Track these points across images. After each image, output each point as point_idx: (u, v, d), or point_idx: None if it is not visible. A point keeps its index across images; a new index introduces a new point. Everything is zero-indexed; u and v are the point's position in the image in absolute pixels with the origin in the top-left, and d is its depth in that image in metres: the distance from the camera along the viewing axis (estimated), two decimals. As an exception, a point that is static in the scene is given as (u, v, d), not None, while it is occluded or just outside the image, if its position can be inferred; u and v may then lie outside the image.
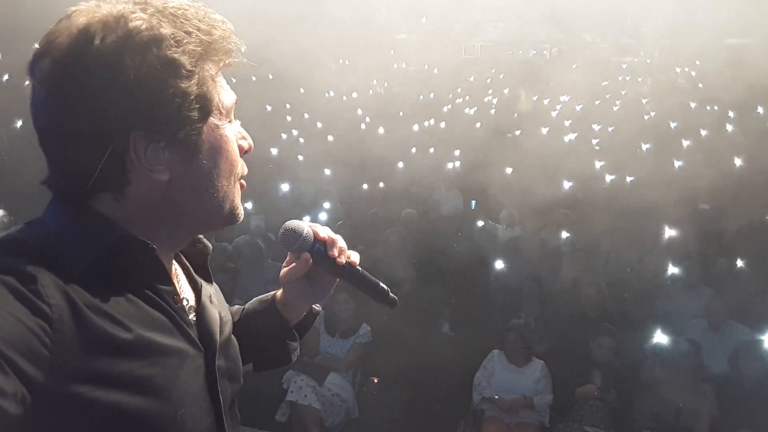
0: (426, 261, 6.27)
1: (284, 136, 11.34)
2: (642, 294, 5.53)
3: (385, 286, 1.12)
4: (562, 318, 4.99)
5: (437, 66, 17.50)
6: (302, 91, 14.49)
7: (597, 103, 13.87)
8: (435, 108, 14.37)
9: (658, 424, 4.13)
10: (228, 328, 1.04)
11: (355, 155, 10.19)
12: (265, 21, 12.95)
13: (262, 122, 11.88)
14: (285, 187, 8.32)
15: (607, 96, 14.33)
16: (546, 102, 14.42)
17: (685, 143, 10.34)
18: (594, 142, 11.04)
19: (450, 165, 9.46)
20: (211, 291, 1.04)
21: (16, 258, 0.77)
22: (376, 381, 4.74)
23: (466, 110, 14.54)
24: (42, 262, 0.77)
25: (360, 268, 1.12)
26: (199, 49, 0.84)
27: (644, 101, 13.84)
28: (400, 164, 9.63)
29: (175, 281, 0.94)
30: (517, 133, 11.50)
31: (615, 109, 13.59)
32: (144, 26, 0.81)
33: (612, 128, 11.72)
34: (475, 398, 4.42)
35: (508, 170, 8.64)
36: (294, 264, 1.11)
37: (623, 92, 14.95)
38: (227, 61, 0.90)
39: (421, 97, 15.35)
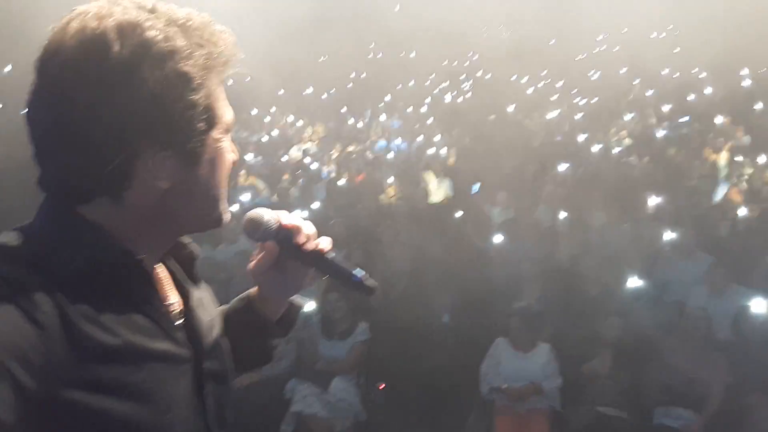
0: (421, 252, 6.19)
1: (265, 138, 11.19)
2: (640, 265, 5.45)
3: (360, 273, 1.03)
4: (564, 298, 4.90)
5: (415, 50, 17.33)
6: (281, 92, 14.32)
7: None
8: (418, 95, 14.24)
9: (671, 396, 4.06)
10: (216, 331, 1.03)
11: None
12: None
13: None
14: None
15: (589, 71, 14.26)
16: (524, 80, 14.34)
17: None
18: (578, 116, 10.97)
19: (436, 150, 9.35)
20: (199, 295, 1.03)
21: (7, 265, 0.77)
22: (382, 387, 4.60)
23: (446, 97, 14.43)
24: (32, 268, 0.77)
25: (332, 255, 1.04)
26: (207, 62, 0.85)
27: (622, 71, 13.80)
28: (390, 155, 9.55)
29: (161, 286, 0.95)
30: (496, 115, 11.39)
31: (594, 79, 13.54)
32: (160, 37, 0.81)
33: (595, 99, 11.66)
34: (483, 389, 4.32)
35: (494, 153, 8.53)
36: (261, 254, 1.06)
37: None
38: (228, 72, 0.91)
39: (399, 85, 15.20)
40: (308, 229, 1.03)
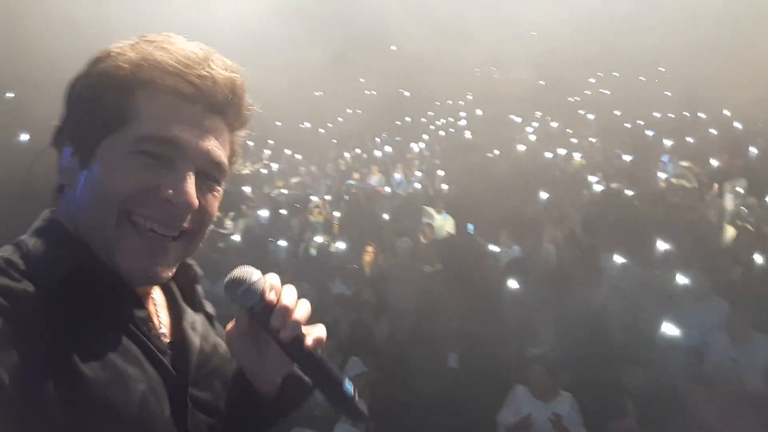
0: (427, 289, 6.00)
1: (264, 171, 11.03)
2: (653, 311, 5.29)
3: (350, 386, 0.81)
4: (582, 345, 4.70)
5: (408, 89, 17.44)
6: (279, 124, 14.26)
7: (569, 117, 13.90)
8: (413, 131, 14.26)
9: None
10: (216, 359, 0.95)
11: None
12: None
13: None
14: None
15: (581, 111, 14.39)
16: (519, 120, 14.43)
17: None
18: (577, 156, 10.97)
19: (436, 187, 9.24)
20: (195, 319, 0.96)
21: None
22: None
23: (441, 133, 14.45)
24: (24, 272, 0.77)
25: (318, 353, 0.83)
26: (144, 68, 0.82)
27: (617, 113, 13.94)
28: (387, 189, 9.41)
29: (150, 307, 0.90)
30: (497, 152, 11.38)
31: (592, 119, 13.63)
32: (116, 51, 0.84)
33: (594, 140, 11.69)
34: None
35: (495, 190, 8.44)
36: (236, 319, 0.90)
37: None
38: (181, 90, 0.83)
39: (398, 122, 15.23)
40: (300, 311, 0.85)
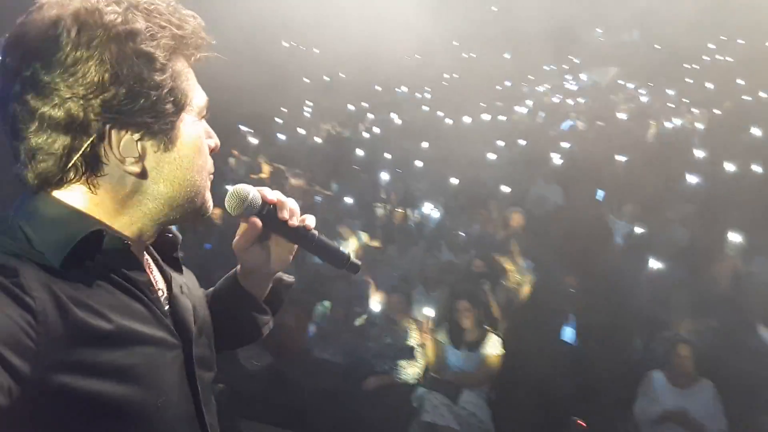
0: (544, 261, 5.84)
1: (367, 135, 11.05)
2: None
3: (345, 251, 1.06)
4: (722, 328, 4.41)
5: (508, 50, 16.79)
6: (379, 88, 14.20)
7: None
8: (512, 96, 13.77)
9: None
10: (202, 317, 1.04)
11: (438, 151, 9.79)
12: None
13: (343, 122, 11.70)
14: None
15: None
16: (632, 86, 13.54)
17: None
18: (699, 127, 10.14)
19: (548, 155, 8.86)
20: (181, 281, 1.03)
21: None
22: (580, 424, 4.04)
23: (555, 99, 13.80)
24: (21, 255, 0.78)
25: (316, 232, 1.06)
26: (172, 43, 0.86)
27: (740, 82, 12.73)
28: (492, 156, 9.16)
29: (148, 272, 0.95)
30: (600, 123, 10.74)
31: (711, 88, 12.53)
32: (119, 20, 0.82)
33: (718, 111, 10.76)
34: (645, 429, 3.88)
35: (621, 160, 7.97)
36: (245, 230, 1.07)
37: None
38: (198, 56, 0.92)
39: (498, 87, 14.73)
40: (292, 204, 1.05)
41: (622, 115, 10.88)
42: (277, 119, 11.76)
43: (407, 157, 9.54)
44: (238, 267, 1.16)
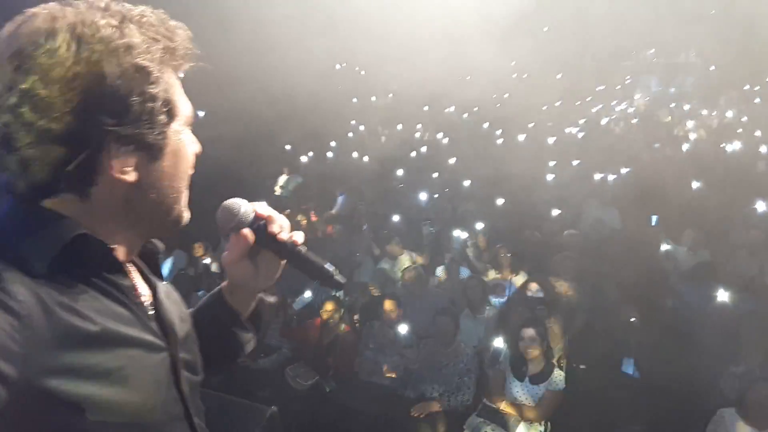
0: (601, 289, 5.60)
1: (414, 154, 11.00)
2: None
3: (331, 268, 1.08)
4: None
5: (561, 71, 16.50)
6: (426, 108, 14.17)
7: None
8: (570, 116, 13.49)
9: None
10: (187, 324, 1.06)
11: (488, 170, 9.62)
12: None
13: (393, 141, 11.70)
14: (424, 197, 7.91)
15: None
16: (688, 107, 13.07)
17: None
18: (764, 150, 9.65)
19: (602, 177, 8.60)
20: (165, 288, 1.05)
21: None
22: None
23: (604, 120, 13.49)
24: (6, 261, 0.78)
25: (304, 248, 1.08)
26: (164, 55, 0.88)
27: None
28: (546, 176, 8.94)
29: (131, 277, 0.96)
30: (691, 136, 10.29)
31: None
32: (116, 34, 0.83)
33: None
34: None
35: (695, 184, 7.63)
36: (235, 243, 1.09)
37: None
38: (186, 66, 0.94)
39: (545, 107, 14.47)
40: (282, 220, 1.08)
41: (680, 137, 10.51)
42: (325, 139, 11.87)
43: (455, 177, 9.43)
44: (224, 283, 1.18)
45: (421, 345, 4.76)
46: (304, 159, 10.51)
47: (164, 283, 1.07)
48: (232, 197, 1.07)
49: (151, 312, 0.97)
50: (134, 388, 0.85)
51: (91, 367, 0.80)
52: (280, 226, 1.07)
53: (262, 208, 1.07)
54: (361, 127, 13.14)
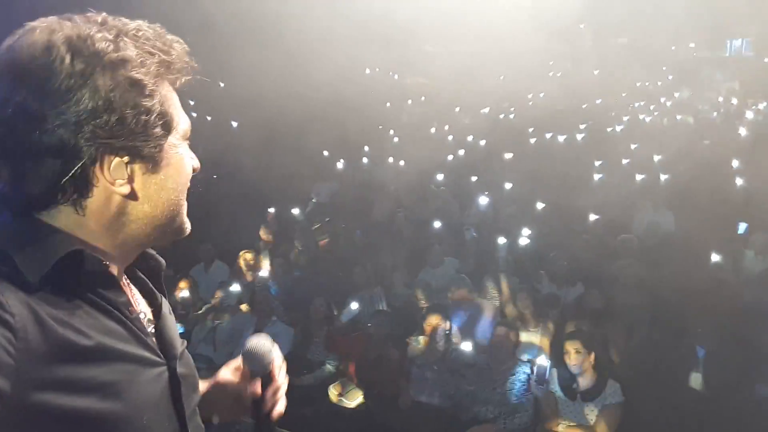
0: (663, 296, 5.22)
1: (450, 157, 10.70)
2: None
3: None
4: None
5: (598, 67, 16.00)
6: (458, 110, 13.88)
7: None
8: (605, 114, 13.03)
9: None
10: (183, 343, 1.07)
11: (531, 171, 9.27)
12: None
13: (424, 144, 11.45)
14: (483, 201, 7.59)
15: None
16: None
17: None
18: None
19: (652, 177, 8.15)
20: (168, 307, 1.07)
21: None
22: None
23: (642, 116, 12.99)
24: (0, 274, 0.78)
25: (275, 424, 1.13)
26: (159, 69, 0.89)
27: None
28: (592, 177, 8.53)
29: (128, 293, 0.96)
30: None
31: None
32: (111, 48, 0.84)
33: None
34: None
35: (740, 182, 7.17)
36: (241, 374, 1.18)
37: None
38: (182, 80, 0.94)
39: (585, 105, 14.03)
40: (284, 389, 1.19)
41: (735, 133, 9.97)
42: (360, 144, 11.70)
43: (495, 180, 9.11)
44: (209, 385, 1.21)
45: (471, 363, 4.48)
46: (339, 165, 10.34)
47: (166, 297, 1.09)
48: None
49: (151, 328, 0.98)
50: (129, 403, 0.86)
51: (85, 382, 0.80)
52: (274, 396, 1.16)
53: (277, 365, 1.18)
54: (394, 132, 12.94)
